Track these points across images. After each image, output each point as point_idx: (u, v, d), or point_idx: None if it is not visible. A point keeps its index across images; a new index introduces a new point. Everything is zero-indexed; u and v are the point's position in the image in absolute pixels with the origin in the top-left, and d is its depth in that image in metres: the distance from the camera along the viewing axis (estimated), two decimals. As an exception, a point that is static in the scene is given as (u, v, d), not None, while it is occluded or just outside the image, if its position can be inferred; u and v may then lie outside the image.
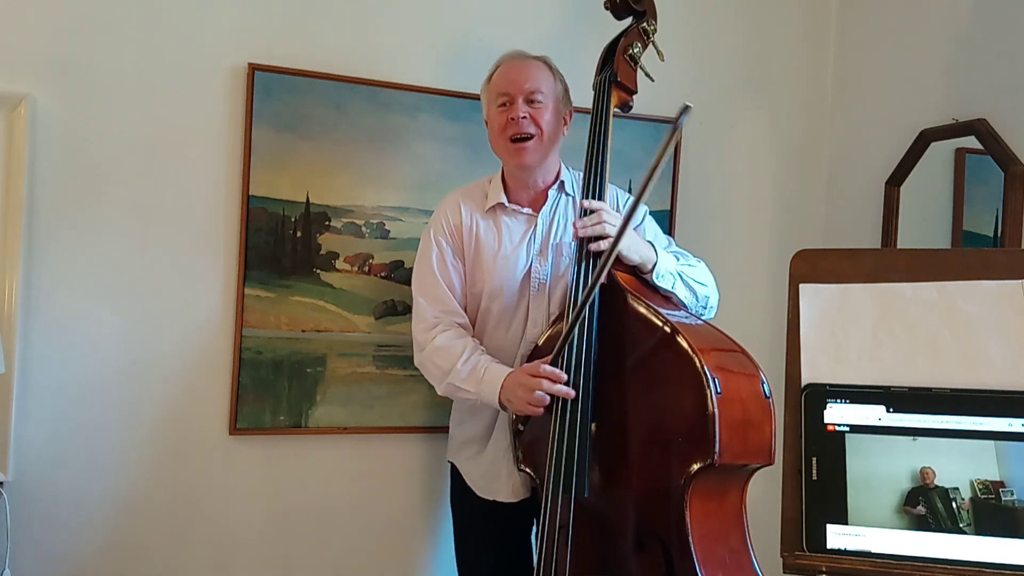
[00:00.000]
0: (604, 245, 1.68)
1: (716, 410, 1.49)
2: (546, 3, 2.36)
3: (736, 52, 2.58)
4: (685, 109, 1.32)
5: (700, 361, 1.52)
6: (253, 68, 2.07)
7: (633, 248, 1.70)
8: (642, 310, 1.65)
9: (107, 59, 1.99)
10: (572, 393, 1.64)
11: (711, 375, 1.51)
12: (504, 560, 1.95)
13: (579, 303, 1.62)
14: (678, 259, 1.83)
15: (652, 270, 1.72)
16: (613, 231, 1.67)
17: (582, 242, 1.73)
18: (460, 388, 1.80)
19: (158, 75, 2.03)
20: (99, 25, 1.98)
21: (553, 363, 1.66)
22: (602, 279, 1.58)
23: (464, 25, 2.28)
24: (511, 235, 1.90)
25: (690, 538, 1.49)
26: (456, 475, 2.02)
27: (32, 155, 1.92)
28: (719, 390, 1.51)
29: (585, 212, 1.74)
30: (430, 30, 2.25)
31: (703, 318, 1.78)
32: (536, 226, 1.90)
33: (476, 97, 2.00)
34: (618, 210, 1.89)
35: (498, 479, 1.90)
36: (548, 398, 1.65)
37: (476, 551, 2.00)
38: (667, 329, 1.59)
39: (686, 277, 1.79)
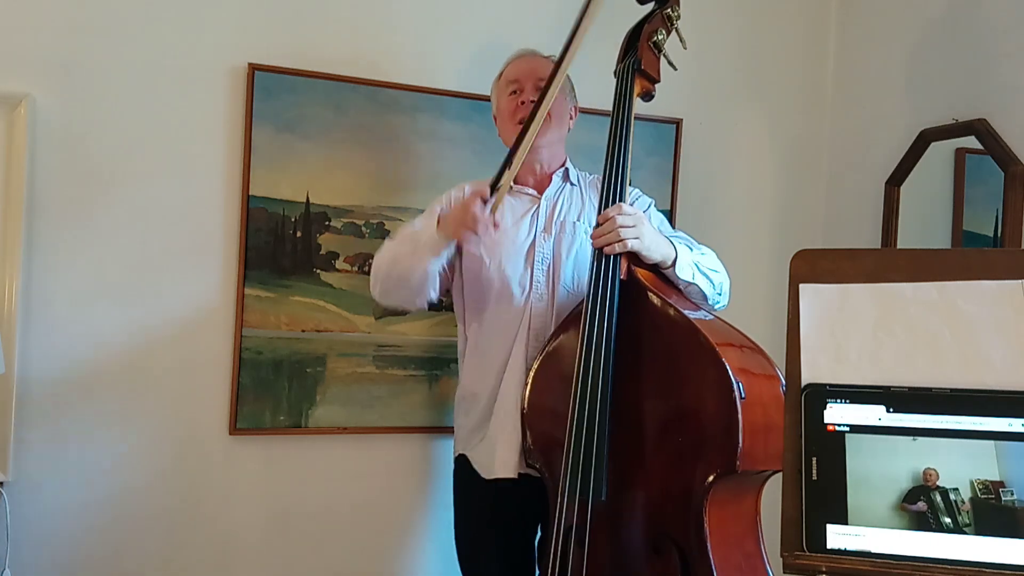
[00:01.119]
0: (619, 248, 1.65)
1: (740, 415, 1.45)
2: (549, 3, 2.36)
3: (736, 52, 2.58)
4: None
5: (726, 364, 1.48)
6: (253, 68, 2.07)
7: (653, 247, 1.69)
8: (666, 309, 1.60)
9: (107, 59, 1.99)
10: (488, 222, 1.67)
11: (735, 378, 1.47)
12: (508, 560, 1.93)
13: (519, 139, 1.71)
14: (691, 249, 1.80)
15: (673, 265, 1.70)
16: (628, 232, 1.64)
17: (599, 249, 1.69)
18: (400, 258, 1.82)
19: (158, 75, 2.03)
20: (99, 25, 1.98)
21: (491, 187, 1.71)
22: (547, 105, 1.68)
23: (465, 25, 2.28)
24: (513, 212, 1.91)
25: (708, 543, 1.47)
26: (461, 471, 1.98)
27: (32, 155, 1.92)
28: (743, 394, 1.47)
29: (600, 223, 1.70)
30: (430, 30, 2.24)
31: (718, 306, 1.76)
32: (540, 205, 1.92)
33: (476, 97, 2.01)
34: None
35: (492, 454, 1.86)
36: (482, 216, 1.67)
37: (479, 551, 1.98)
38: (691, 331, 1.55)
39: (702, 267, 1.77)
